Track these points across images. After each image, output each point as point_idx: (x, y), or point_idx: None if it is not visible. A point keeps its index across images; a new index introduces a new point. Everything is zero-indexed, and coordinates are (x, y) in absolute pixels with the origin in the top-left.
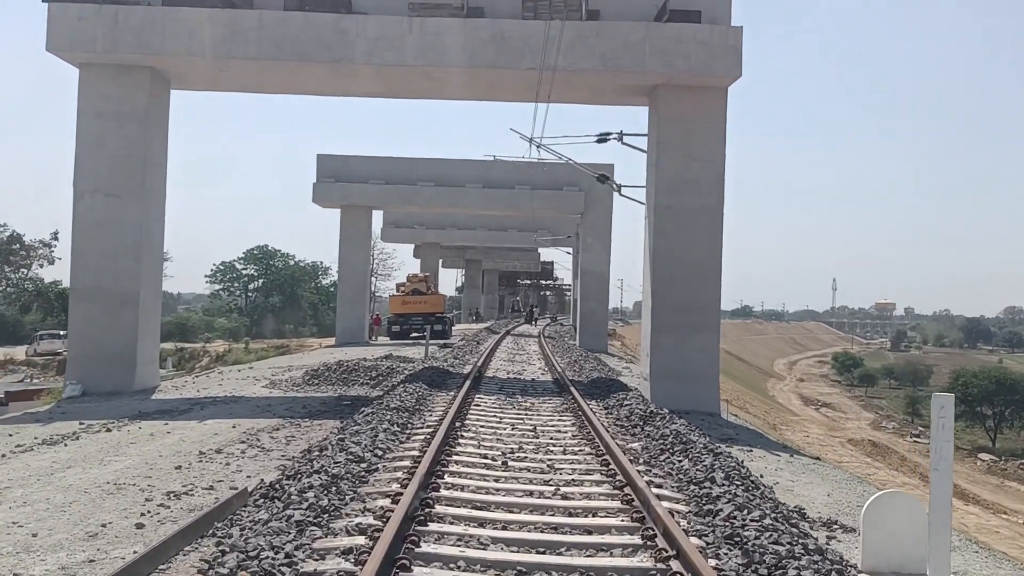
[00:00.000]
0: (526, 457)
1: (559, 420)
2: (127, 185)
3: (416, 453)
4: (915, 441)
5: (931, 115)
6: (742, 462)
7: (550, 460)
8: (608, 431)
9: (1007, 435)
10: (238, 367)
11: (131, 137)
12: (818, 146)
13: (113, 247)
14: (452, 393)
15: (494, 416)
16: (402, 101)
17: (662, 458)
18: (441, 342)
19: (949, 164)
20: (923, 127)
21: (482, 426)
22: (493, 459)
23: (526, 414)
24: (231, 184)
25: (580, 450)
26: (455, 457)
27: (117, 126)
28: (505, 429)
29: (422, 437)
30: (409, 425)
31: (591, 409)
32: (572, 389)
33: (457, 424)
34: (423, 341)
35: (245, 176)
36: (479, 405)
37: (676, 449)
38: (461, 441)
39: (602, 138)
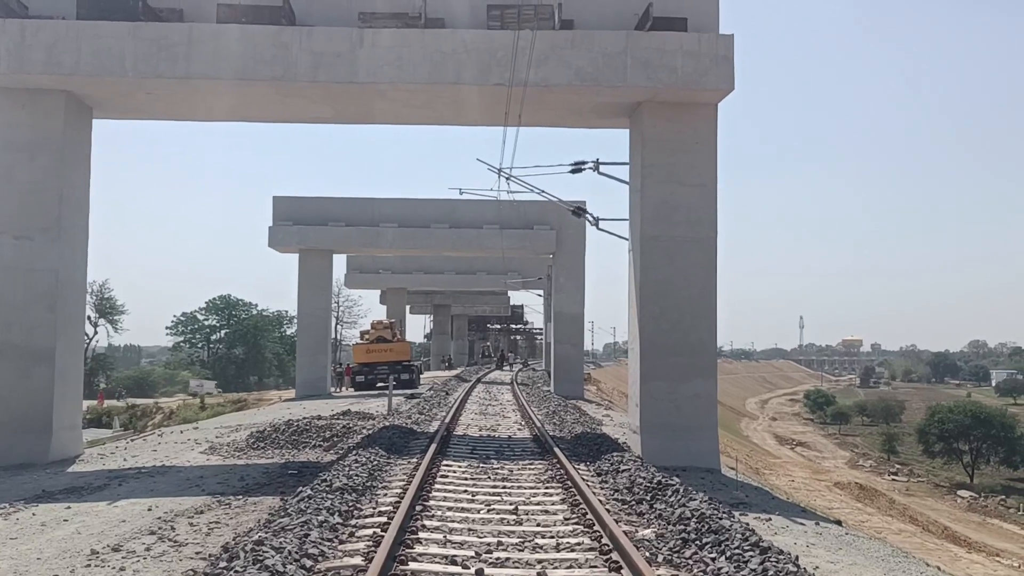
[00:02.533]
0: (508, 559)
1: (545, 495)
2: (39, 225)
3: (359, 561)
4: (893, 479)
5: (891, 153)
6: (797, 559)
7: (541, 563)
8: (609, 511)
9: (984, 471)
10: (182, 428)
11: (44, 170)
12: (782, 183)
13: (24, 296)
14: (415, 460)
15: (465, 492)
16: (362, 137)
17: (688, 554)
18: (409, 392)
19: (911, 201)
20: (885, 164)
21: (450, 508)
22: (465, 565)
23: (504, 487)
24: (184, 230)
25: (579, 544)
26: (412, 564)
27: (28, 158)
28: (479, 511)
29: (370, 533)
30: (356, 512)
31: (582, 477)
32: (556, 451)
33: (418, 508)
34: (392, 392)
35: (200, 220)
36: (446, 476)
37: (705, 540)
38: (423, 535)
39: (576, 168)
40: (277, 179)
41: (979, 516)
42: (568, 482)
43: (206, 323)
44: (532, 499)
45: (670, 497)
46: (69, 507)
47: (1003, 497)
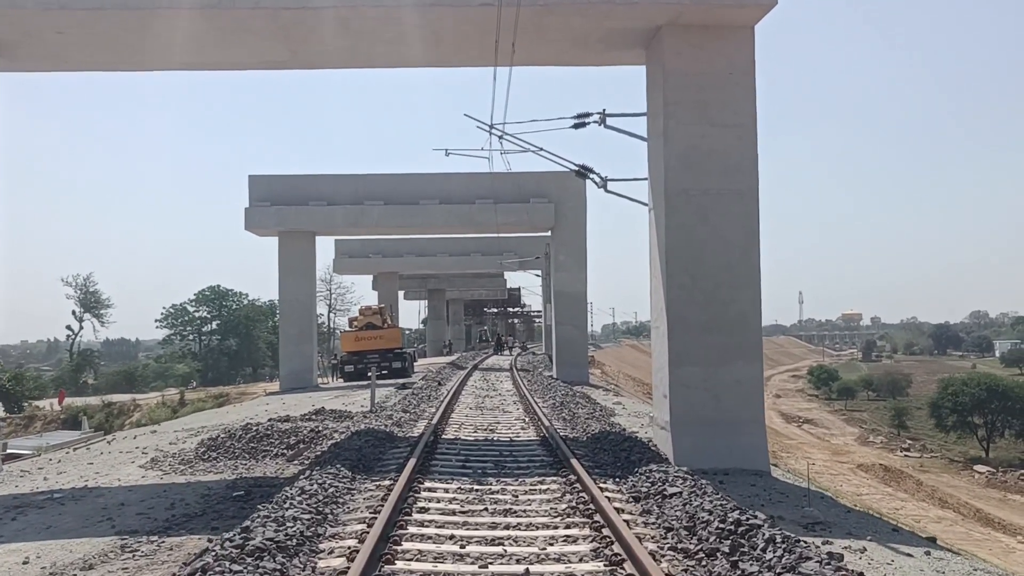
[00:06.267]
0: None
1: (566, 542)
2: None
3: None
4: (906, 455)
5: (888, 121)
6: None
7: None
8: None
9: (999, 444)
10: (136, 432)
11: None
12: (775, 151)
13: None
14: (387, 482)
15: (450, 540)
16: (334, 91)
17: None
18: (401, 381)
19: (909, 171)
20: (882, 133)
21: (427, 574)
22: None
23: (507, 527)
24: (167, 217)
25: None
26: None
27: None
28: None
29: None
30: None
31: (615, 507)
32: (573, 462)
33: None
34: (381, 382)
35: (182, 204)
36: (426, 510)
37: None
38: None
39: (580, 122)
40: (265, 158)
41: (999, 492)
42: (597, 516)
43: (196, 315)
44: (548, 551)
45: (763, 550)
46: None
47: (1023, 472)
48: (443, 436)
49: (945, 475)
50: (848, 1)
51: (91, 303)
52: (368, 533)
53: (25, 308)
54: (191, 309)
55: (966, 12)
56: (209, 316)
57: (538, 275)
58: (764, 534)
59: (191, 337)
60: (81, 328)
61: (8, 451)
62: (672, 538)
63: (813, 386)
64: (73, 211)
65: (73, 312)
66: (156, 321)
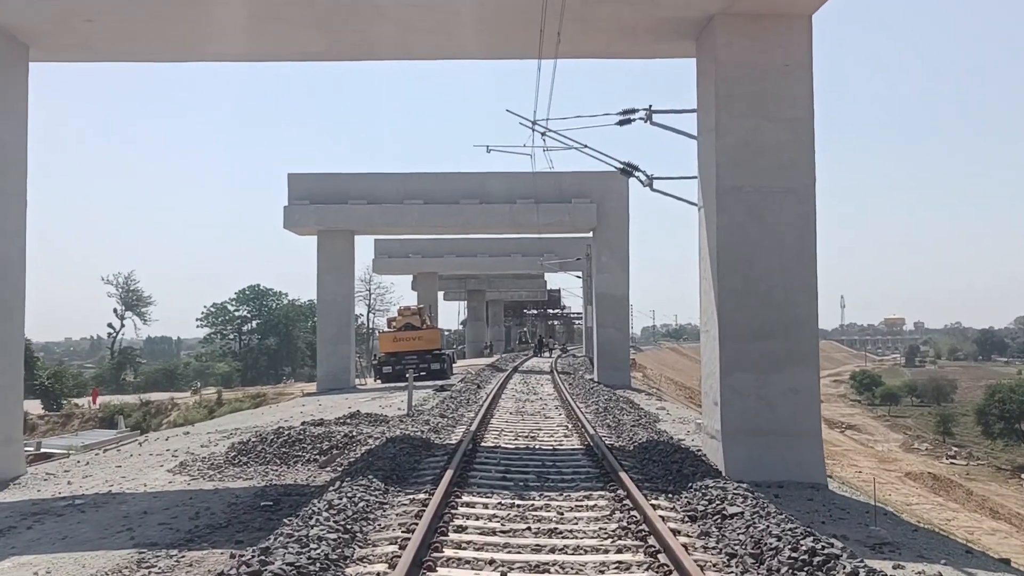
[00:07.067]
0: None
1: (619, 568)
2: None
3: None
4: (951, 463)
5: (930, 126)
6: None
7: None
8: None
9: None
10: (168, 434)
11: None
12: (819, 159)
13: None
14: (422, 496)
15: (490, 564)
16: (376, 86)
17: None
18: (439, 383)
19: (953, 174)
20: (925, 137)
21: None
22: None
23: (552, 551)
24: (206, 217)
25: None
26: None
27: None
28: None
29: None
30: None
31: (669, 528)
32: (622, 475)
33: None
34: (419, 384)
35: (215, 201)
36: (464, 528)
37: None
38: None
39: (625, 118)
40: (304, 157)
41: None
42: (652, 539)
43: (237, 314)
44: None
45: None
46: None
47: None
48: (482, 444)
49: (993, 483)
50: None
51: (132, 301)
52: (400, 557)
53: (69, 306)
54: (231, 308)
55: (1013, 13)
56: (249, 315)
57: (578, 276)
58: (845, 566)
59: (231, 336)
60: (123, 326)
61: (42, 450)
62: (737, 566)
63: (855, 391)
64: (115, 208)
65: (115, 310)
66: (197, 320)
